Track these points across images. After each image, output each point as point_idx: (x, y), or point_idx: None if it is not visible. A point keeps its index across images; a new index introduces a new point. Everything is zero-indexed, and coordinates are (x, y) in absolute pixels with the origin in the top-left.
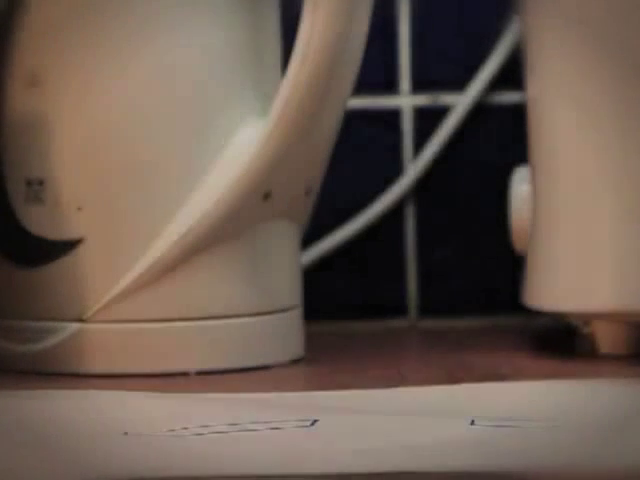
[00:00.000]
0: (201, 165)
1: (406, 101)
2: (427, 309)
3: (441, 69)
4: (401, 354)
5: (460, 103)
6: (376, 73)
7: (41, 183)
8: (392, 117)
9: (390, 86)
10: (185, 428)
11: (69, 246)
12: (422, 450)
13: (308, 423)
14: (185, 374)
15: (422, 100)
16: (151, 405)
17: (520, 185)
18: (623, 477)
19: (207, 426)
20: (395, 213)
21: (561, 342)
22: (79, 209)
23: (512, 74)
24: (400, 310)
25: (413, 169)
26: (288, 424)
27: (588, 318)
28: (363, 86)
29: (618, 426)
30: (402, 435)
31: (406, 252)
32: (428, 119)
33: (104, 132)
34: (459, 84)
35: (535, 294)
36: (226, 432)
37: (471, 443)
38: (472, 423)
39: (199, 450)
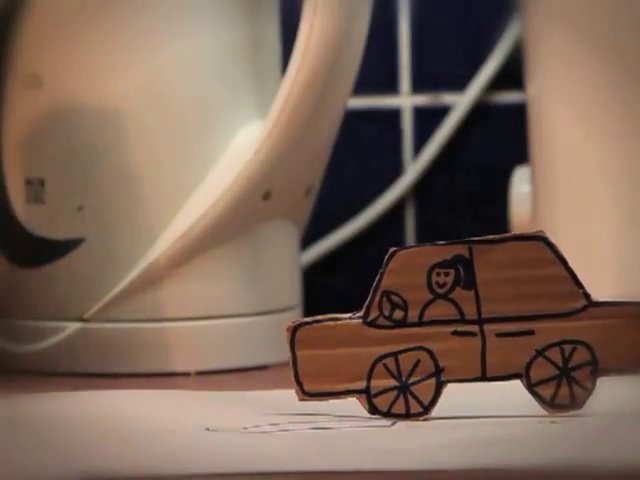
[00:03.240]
0: (201, 165)
1: (406, 101)
2: None
3: (441, 69)
4: None
5: (460, 103)
6: (376, 73)
7: (41, 183)
8: (392, 117)
9: (390, 86)
10: (257, 426)
11: (69, 246)
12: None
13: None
14: (185, 374)
15: (422, 100)
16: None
17: (520, 185)
18: (623, 476)
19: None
20: (395, 213)
21: None
22: (79, 209)
23: (512, 74)
24: None
25: (413, 169)
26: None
27: None
28: (363, 86)
29: (618, 423)
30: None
31: None
32: (428, 119)
33: (104, 132)
34: (459, 84)
35: None
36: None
37: (473, 443)
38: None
39: (280, 447)
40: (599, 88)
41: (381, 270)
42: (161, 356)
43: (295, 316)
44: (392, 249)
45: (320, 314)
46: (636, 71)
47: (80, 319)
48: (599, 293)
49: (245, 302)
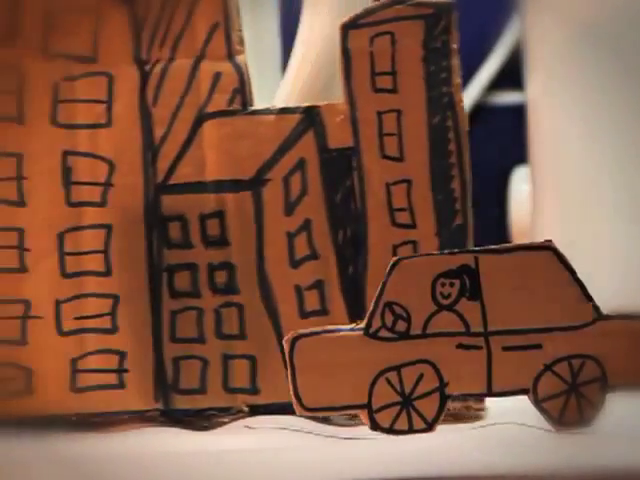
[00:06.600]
0: None
1: None
2: None
3: None
4: None
5: None
6: None
7: None
8: None
9: None
10: None
11: None
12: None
13: None
14: None
15: None
16: None
17: (520, 185)
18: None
19: None
20: None
21: None
22: None
23: (512, 74)
24: None
25: None
26: None
27: None
28: None
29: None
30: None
31: None
32: None
33: None
34: None
35: None
36: None
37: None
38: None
39: None
40: (598, 87)
41: (384, 279)
42: None
43: None
44: (395, 258)
45: None
46: (635, 71)
47: None
48: (599, 294)
49: None
